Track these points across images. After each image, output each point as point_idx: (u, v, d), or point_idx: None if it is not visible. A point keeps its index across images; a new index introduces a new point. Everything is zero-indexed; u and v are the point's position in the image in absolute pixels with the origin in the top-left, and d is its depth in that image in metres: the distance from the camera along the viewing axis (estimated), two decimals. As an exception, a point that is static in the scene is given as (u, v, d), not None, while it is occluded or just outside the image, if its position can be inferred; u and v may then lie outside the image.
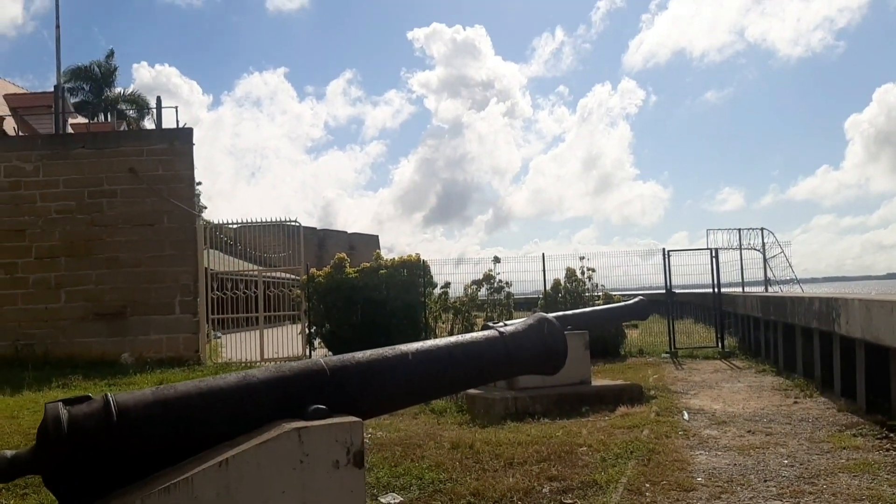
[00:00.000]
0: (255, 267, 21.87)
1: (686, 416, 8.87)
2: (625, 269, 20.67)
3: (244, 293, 19.25)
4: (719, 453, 6.93)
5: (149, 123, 42.64)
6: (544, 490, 5.77)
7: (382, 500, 5.75)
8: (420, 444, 7.71)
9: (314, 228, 50.00)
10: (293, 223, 18.25)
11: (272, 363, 15.93)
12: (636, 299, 13.08)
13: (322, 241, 46.20)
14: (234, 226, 20.59)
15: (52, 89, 26.28)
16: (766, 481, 5.86)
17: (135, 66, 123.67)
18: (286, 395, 3.66)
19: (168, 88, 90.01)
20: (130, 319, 17.33)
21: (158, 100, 20.99)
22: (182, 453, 3.43)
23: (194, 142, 18.34)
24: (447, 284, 18.23)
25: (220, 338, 21.98)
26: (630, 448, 6.94)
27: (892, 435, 7.05)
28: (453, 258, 19.72)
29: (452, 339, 4.23)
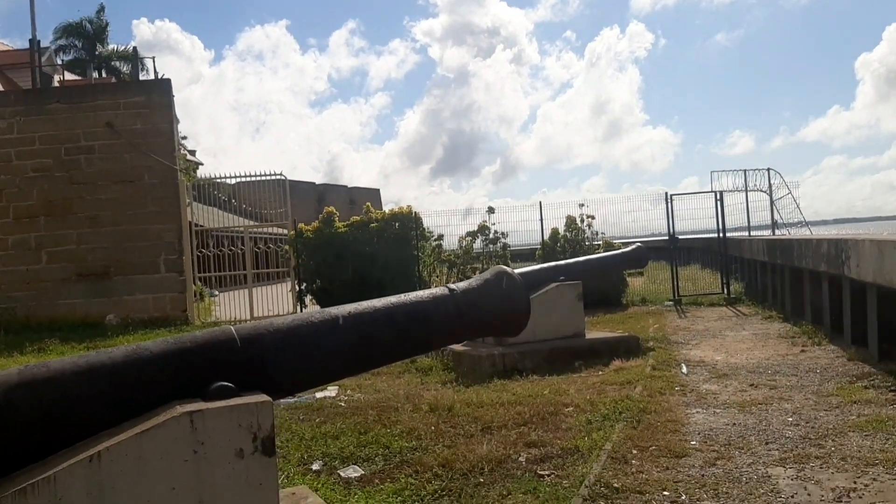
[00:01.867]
0: (248, 222, 21.32)
1: (684, 369, 8.29)
2: (633, 216, 19.96)
3: (233, 250, 18.71)
4: (718, 411, 6.35)
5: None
6: (520, 459, 5.20)
7: (342, 474, 5.19)
8: (396, 408, 7.17)
9: (313, 183, 49.27)
10: (279, 176, 17.57)
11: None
12: (633, 246, 12.41)
13: (322, 195, 45.45)
14: (231, 181, 19.88)
15: (41, 45, 25.43)
16: (767, 444, 5.27)
17: (134, 22, 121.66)
18: (186, 371, 3.06)
19: (168, 44, 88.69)
20: (114, 280, 16.82)
21: (135, 50, 20.27)
22: (55, 445, 2.85)
23: (174, 93, 17.66)
24: (440, 237, 17.65)
25: (216, 296, 21.58)
26: (619, 408, 6.35)
27: (907, 387, 6.44)
28: (462, 208, 18.84)
29: (394, 298, 3.60)
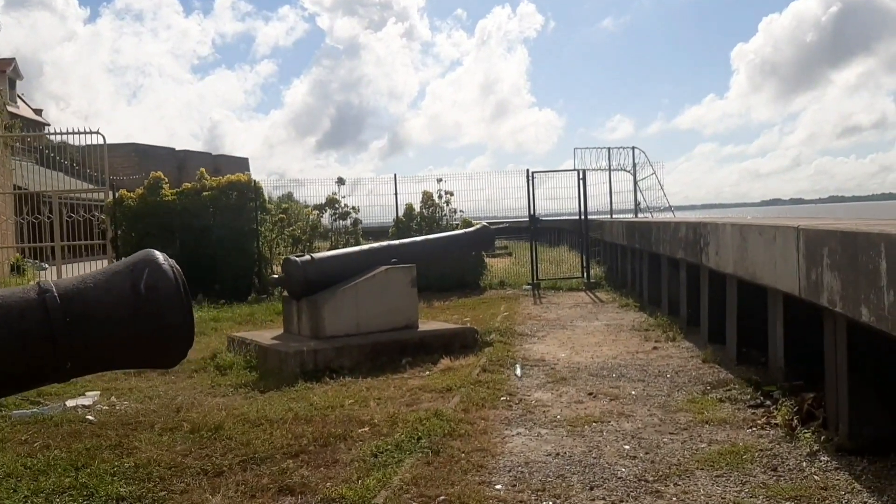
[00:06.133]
0: (85, 184, 19.00)
1: (519, 371, 7.06)
2: (502, 193, 18.81)
3: (47, 218, 16.41)
4: (543, 432, 5.11)
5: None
6: (259, 518, 3.78)
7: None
8: (152, 425, 5.61)
9: (173, 149, 46.03)
10: (96, 133, 15.38)
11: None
12: (478, 225, 11.15)
13: (182, 163, 42.30)
14: (53, 138, 17.43)
15: None
16: (592, 488, 4.03)
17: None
18: None
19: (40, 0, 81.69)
20: None
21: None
22: None
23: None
24: (284, 210, 15.98)
25: (45, 269, 19.33)
26: (421, 431, 5.00)
27: (767, 403, 5.38)
28: (349, 179, 16.93)
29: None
